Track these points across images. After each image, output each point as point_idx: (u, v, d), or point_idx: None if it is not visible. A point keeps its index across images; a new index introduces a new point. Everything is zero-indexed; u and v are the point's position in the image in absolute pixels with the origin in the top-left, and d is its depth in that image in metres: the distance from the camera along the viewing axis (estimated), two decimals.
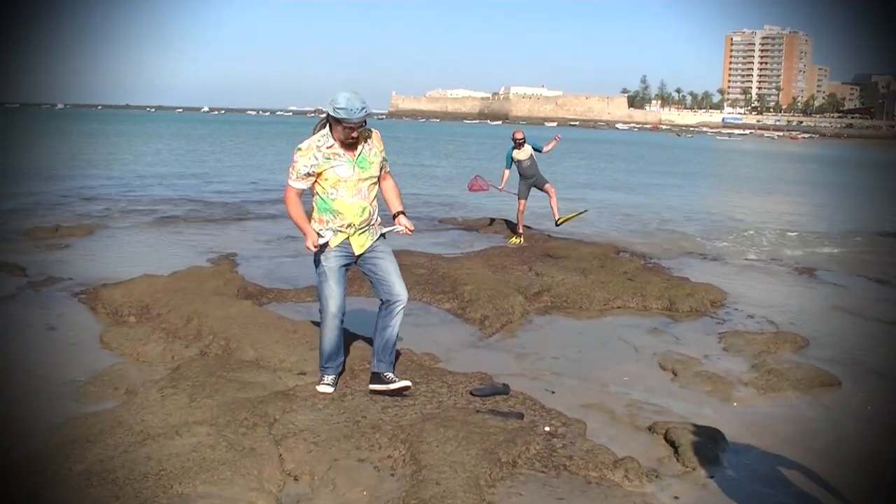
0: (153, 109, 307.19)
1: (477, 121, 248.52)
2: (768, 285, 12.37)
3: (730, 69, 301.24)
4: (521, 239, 15.34)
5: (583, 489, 5.09)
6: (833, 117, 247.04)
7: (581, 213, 17.30)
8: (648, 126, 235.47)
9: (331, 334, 6.52)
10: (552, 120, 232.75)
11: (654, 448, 5.96)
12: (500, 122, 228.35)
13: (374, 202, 6.40)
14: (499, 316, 9.43)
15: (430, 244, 14.88)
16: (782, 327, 9.62)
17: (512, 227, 16.59)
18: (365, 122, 6.00)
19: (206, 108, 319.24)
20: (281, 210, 19.22)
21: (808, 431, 6.50)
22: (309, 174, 6.11)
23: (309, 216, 6.31)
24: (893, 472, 5.77)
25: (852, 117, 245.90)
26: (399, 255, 12.64)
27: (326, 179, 6.12)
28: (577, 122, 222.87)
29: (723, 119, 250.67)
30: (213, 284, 10.08)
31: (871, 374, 8.04)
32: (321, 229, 6.24)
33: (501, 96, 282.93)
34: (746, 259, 14.85)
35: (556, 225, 16.22)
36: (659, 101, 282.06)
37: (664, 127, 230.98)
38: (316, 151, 6.08)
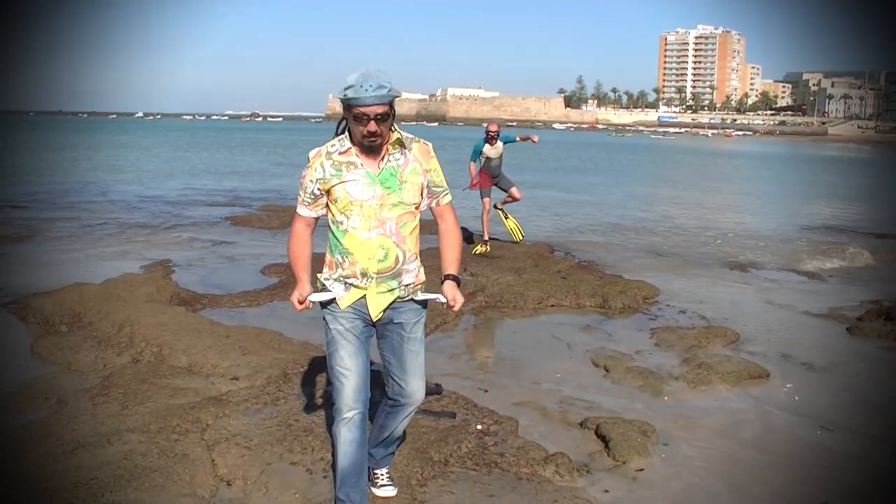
0: (86, 115, 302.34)
1: (414, 122, 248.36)
2: (701, 281, 12.57)
3: (664, 68, 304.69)
4: (488, 247, 14.09)
5: (514, 486, 5.15)
6: (766, 115, 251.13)
7: (518, 236, 15.01)
8: (585, 126, 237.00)
9: (348, 446, 4.34)
10: (490, 121, 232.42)
11: (586, 443, 6.05)
12: (436, 124, 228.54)
13: (410, 245, 4.31)
14: (433, 317, 9.45)
15: None
16: (713, 322, 9.79)
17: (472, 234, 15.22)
18: (391, 113, 4.07)
19: (140, 114, 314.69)
20: (213, 216, 19.19)
21: (736, 423, 6.64)
22: (316, 195, 4.25)
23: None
24: (819, 460, 5.92)
25: (784, 114, 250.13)
26: None
27: (336, 201, 4.19)
28: (515, 123, 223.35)
29: (658, 118, 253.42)
30: (146, 291, 10.01)
31: (799, 366, 8.22)
32: (327, 278, 4.36)
33: (439, 98, 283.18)
34: (679, 255, 15.07)
35: (494, 207, 14.77)
36: (595, 101, 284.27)
37: (601, 126, 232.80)
38: (325, 159, 4.20)
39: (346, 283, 4.29)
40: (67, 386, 6.89)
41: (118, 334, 8.15)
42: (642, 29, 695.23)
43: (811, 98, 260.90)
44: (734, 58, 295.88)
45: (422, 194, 4.33)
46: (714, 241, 17.29)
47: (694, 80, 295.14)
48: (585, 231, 18.31)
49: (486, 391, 7.13)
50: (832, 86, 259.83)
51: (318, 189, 4.23)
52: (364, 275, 4.24)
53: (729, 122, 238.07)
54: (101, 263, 12.63)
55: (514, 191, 14.65)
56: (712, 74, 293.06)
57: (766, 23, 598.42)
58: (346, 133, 4.24)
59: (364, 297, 4.29)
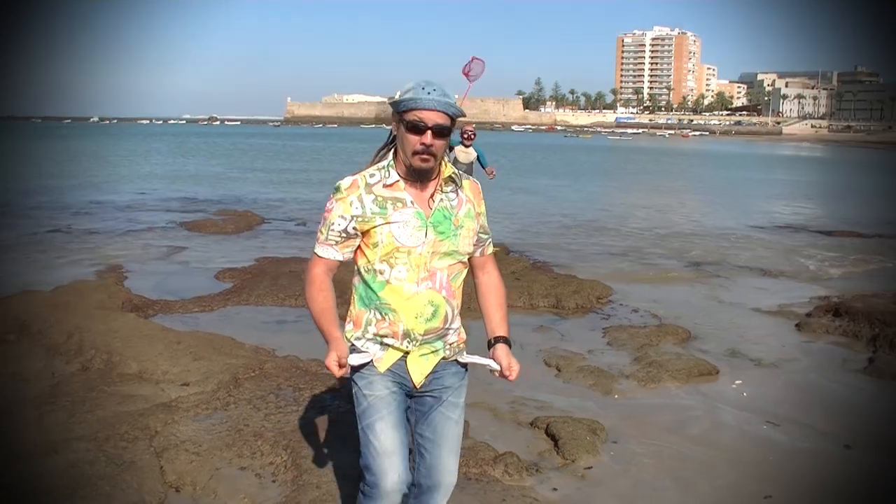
0: (40, 120, 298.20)
1: (373, 125, 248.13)
2: (654, 280, 12.70)
3: (622, 70, 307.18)
4: None
5: (462, 486, 5.15)
6: (722, 115, 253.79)
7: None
8: (544, 127, 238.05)
9: None
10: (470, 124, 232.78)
11: (536, 442, 6.09)
12: None
13: (459, 301, 3.61)
14: None
15: None
16: (665, 320, 9.88)
17: None
18: (450, 131, 3.39)
19: (95, 118, 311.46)
20: (167, 221, 19.06)
21: (685, 419, 6.72)
22: (349, 234, 3.42)
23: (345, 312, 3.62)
24: (765, 454, 5.99)
25: (740, 114, 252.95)
26: (287, 261, 12.77)
27: (376, 245, 3.38)
28: (474, 125, 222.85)
29: (616, 119, 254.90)
30: (97, 298, 9.92)
31: (748, 363, 8.34)
32: (357, 337, 3.52)
33: None
34: (633, 255, 15.18)
35: None
36: (553, 103, 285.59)
37: (559, 128, 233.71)
38: (364, 193, 3.38)
39: (381, 343, 3.47)
40: (14, 395, 6.81)
41: (67, 342, 8.05)
42: (599, 30, 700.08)
43: (766, 98, 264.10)
44: (690, 59, 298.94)
45: (476, 245, 3.64)
46: (668, 240, 17.44)
47: (651, 81, 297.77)
48: (541, 232, 18.40)
49: None
50: (786, 86, 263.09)
51: (354, 228, 3.39)
52: (407, 335, 3.43)
53: (685, 122, 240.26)
54: (51, 270, 12.50)
55: None
56: (669, 75, 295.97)
57: (722, 24, 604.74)
58: (391, 158, 3.46)
59: (403, 358, 3.50)
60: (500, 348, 3.68)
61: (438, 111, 3.31)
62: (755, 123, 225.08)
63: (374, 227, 3.36)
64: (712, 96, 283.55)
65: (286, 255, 13.85)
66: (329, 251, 3.47)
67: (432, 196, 3.43)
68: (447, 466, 3.66)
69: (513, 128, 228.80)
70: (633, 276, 12.86)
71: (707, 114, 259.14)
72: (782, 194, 32.67)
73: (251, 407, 6.32)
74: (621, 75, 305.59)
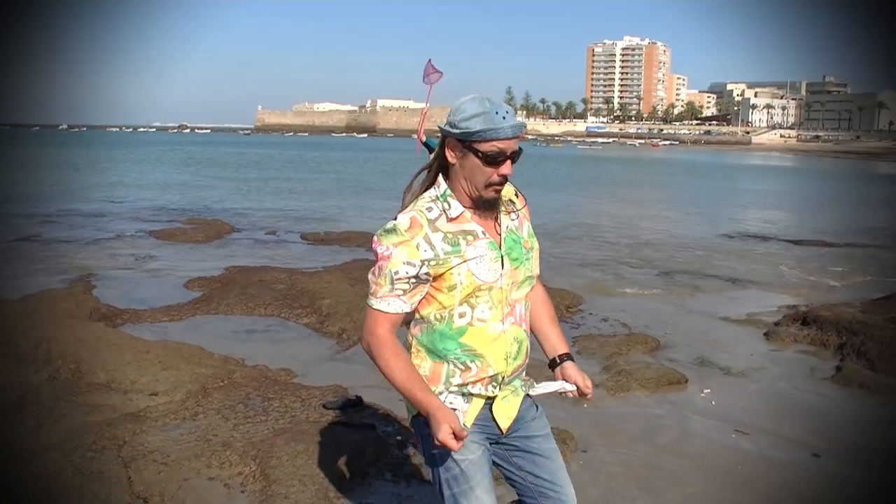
0: (8, 127, 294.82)
1: (344, 134, 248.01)
2: (623, 289, 12.75)
3: (592, 79, 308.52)
4: None
5: (432, 496, 5.17)
6: (692, 124, 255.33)
7: None
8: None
9: None
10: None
11: None
12: (366, 135, 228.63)
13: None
14: (357, 328, 9.44)
15: (290, 258, 14.85)
16: (635, 329, 9.92)
17: None
18: (518, 153, 3.01)
19: (64, 126, 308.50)
20: (136, 229, 18.95)
21: (654, 428, 6.75)
22: (420, 281, 2.97)
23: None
24: (734, 463, 6.03)
25: (710, 124, 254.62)
26: (257, 270, 12.74)
27: (453, 287, 2.99)
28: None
29: (587, 128, 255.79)
30: (65, 307, 9.86)
31: (717, 371, 8.38)
32: (440, 392, 3.05)
33: (368, 109, 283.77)
34: (602, 264, 15.25)
35: None
36: (525, 112, 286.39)
37: (530, 137, 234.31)
38: (430, 232, 2.96)
39: (466, 394, 3.08)
40: None
41: (35, 351, 7.98)
42: (570, 40, 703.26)
43: (735, 108, 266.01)
44: (660, 69, 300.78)
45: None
46: (637, 249, 17.52)
47: (621, 91, 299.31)
48: None
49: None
50: (755, 96, 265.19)
51: (426, 274, 2.95)
52: (494, 380, 3.08)
53: (656, 131, 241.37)
54: (18, 279, 12.37)
55: None
56: (639, 85, 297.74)
57: (692, 35, 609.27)
58: (444, 186, 3.06)
59: (490, 406, 3.13)
60: (570, 366, 3.39)
61: (515, 137, 2.97)
62: (725, 133, 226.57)
63: (450, 268, 2.96)
64: (682, 106, 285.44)
65: (256, 264, 13.81)
66: (395, 304, 2.98)
67: (497, 221, 3.11)
68: (570, 493, 3.39)
69: None
70: (602, 286, 12.91)
71: (677, 123, 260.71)
72: (752, 203, 32.97)
73: (220, 417, 6.30)
74: (592, 85, 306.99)
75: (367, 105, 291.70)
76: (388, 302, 2.97)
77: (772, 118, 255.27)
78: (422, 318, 3.08)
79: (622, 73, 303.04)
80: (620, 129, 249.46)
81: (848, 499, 5.61)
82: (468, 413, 3.08)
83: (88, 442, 5.64)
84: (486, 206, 3.04)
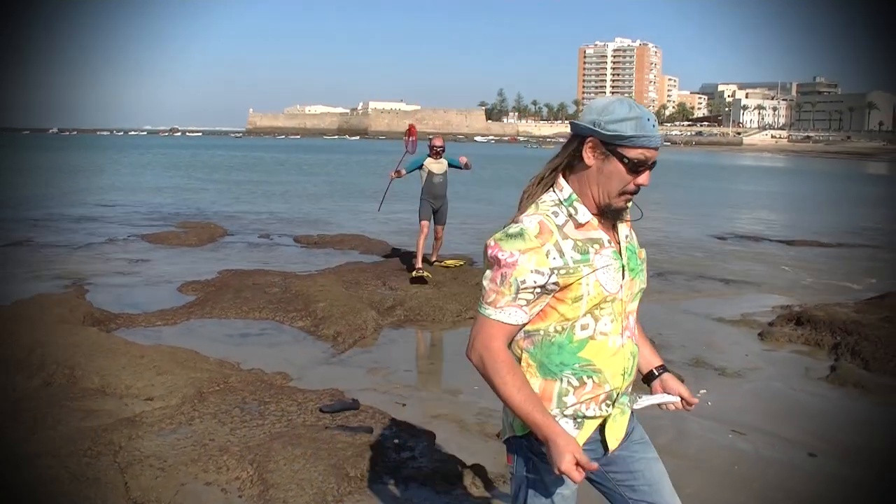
0: None
1: (336, 136, 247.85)
2: None
3: (584, 81, 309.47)
4: (426, 272, 12.48)
5: (431, 499, 5.18)
6: (683, 125, 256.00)
7: (461, 264, 14.13)
8: (507, 138, 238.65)
9: None
10: (434, 135, 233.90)
11: (503, 454, 6.05)
12: (358, 138, 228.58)
13: None
14: (351, 332, 9.47)
15: (284, 261, 14.82)
16: None
17: (403, 266, 13.76)
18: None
19: (54, 129, 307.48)
20: (129, 233, 18.90)
21: (650, 428, 6.61)
22: (545, 291, 2.74)
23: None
24: (731, 463, 6.04)
25: (701, 125, 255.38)
26: (251, 274, 12.72)
27: (578, 299, 2.76)
28: (441, 137, 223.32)
29: None
30: (59, 312, 9.80)
31: (712, 372, 8.40)
32: (553, 415, 2.80)
33: (360, 111, 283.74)
34: None
35: (430, 263, 13.35)
36: (516, 114, 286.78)
37: (521, 139, 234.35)
38: (560, 239, 2.74)
39: (580, 416, 2.85)
40: None
41: (29, 357, 7.95)
42: (561, 42, 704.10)
43: (726, 109, 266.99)
44: (651, 70, 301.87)
45: None
46: None
47: (612, 92, 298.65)
48: None
49: (403, 405, 7.14)
50: (746, 97, 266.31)
51: (555, 284, 2.71)
52: (609, 398, 2.87)
53: None
54: (10, 284, 12.32)
55: (439, 230, 13.46)
56: (630, 86, 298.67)
57: (683, 36, 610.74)
58: (568, 189, 2.83)
59: (602, 426, 2.91)
60: (670, 378, 3.25)
61: (658, 148, 2.82)
62: (716, 134, 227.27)
63: (577, 279, 2.73)
64: (673, 107, 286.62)
65: (249, 267, 13.76)
66: (516, 315, 2.73)
67: (615, 229, 2.91)
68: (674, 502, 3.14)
69: (476, 139, 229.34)
70: None
71: (668, 124, 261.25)
72: (744, 204, 33.04)
73: (216, 421, 6.29)
74: (583, 86, 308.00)
75: (359, 107, 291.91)
76: (508, 312, 2.72)
77: (763, 119, 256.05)
78: (537, 330, 2.81)
79: (613, 75, 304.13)
80: None
81: (844, 498, 5.61)
82: (579, 437, 2.84)
83: (84, 447, 5.62)
84: (612, 214, 2.84)
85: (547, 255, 2.68)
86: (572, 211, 2.78)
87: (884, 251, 18.42)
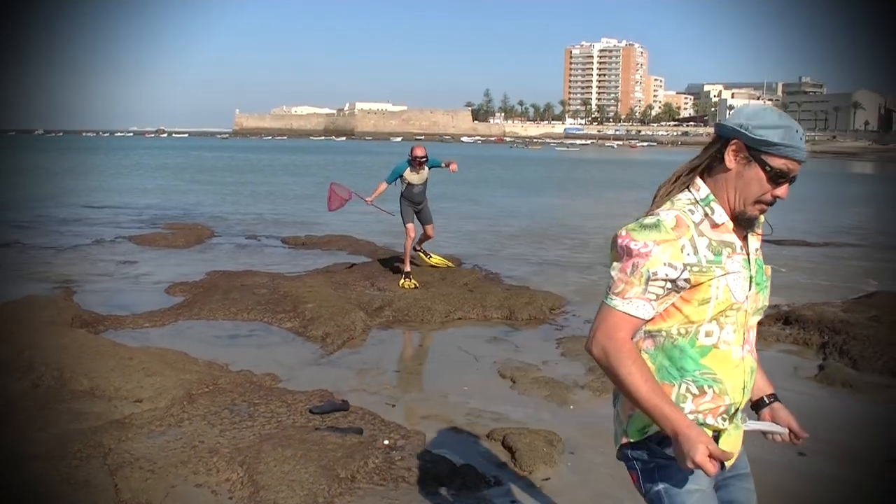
0: None
1: (322, 137, 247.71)
2: (605, 290, 12.74)
3: (570, 81, 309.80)
4: (412, 281, 12.28)
5: (420, 499, 5.18)
6: (669, 125, 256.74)
7: (449, 265, 14.07)
8: (493, 139, 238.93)
9: None
10: (398, 135, 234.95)
11: (493, 454, 6.10)
12: (345, 139, 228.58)
13: None
14: (340, 333, 9.46)
15: (272, 262, 14.80)
16: None
17: (395, 265, 13.65)
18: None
19: (40, 131, 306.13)
20: (116, 235, 18.84)
21: None
22: (675, 288, 2.67)
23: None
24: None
25: (687, 125, 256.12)
26: (239, 275, 12.71)
27: (705, 301, 2.69)
28: (423, 137, 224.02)
29: (565, 130, 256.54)
30: (47, 314, 9.77)
31: None
32: None
33: (346, 112, 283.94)
34: (585, 265, 15.25)
35: (414, 249, 13.21)
36: (503, 114, 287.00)
37: (508, 139, 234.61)
38: (697, 236, 2.68)
39: (699, 423, 2.72)
40: None
41: (17, 359, 7.92)
42: (547, 42, 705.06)
43: (712, 109, 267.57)
44: (637, 70, 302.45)
45: None
46: None
47: (599, 93, 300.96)
48: (491, 243, 18.41)
49: (393, 406, 7.15)
50: (732, 97, 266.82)
51: (685, 280, 2.64)
52: (727, 411, 2.77)
53: (634, 133, 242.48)
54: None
55: (429, 229, 13.31)
56: (616, 87, 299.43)
57: (668, 36, 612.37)
58: (704, 188, 2.77)
59: (718, 440, 2.77)
60: (781, 408, 3.05)
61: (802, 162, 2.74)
62: (702, 134, 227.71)
63: (710, 279, 2.66)
64: (660, 107, 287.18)
65: (237, 268, 13.75)
66: (644, 308, 2.65)
67: (745, 239, 2.84)
68: None
69: (462, 139, 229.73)
70: (585, 287, 12.91)
71: (655, 124, 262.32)
72: None
73: (206, 423, 6.28)
74: (570, 87, 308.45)
75: (345, 108, 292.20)
76: (636, 305, 2.65)
77: None
78: (658, 330, 2.74)
79: (600, 75, 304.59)
80: (598, 131, 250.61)
81: (833, 496, 5.64)
82: None
83: (74, 450, 5.61)
84: (745, 223, 2.77)
85: (682, 249, 2.63)
86: (709, 211, 2.72)
87: (871, 250, 18.47)
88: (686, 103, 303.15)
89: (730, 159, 2.72)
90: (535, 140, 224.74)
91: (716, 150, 2.78)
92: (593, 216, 25.88)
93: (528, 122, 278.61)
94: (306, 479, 5.19)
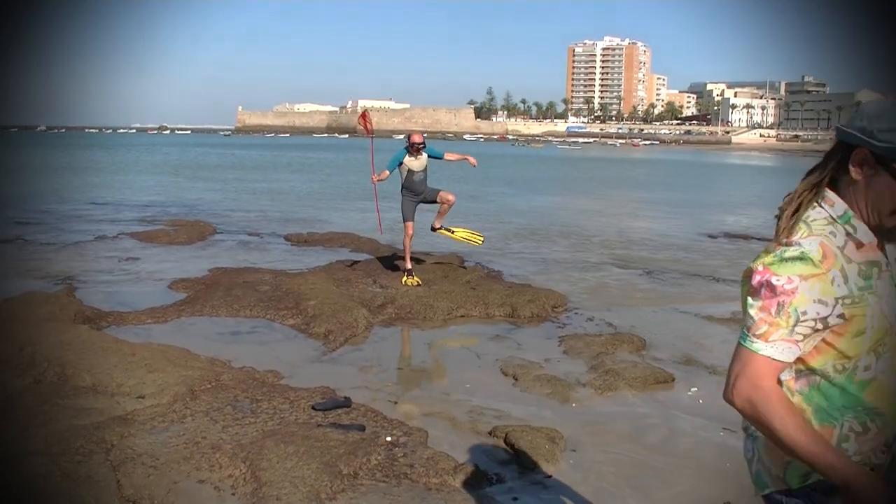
0: None
1: (325, 134, 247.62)
2: (609, 288, 12.76)
3: (573, 79, 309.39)
4: (415, 278, 12.22)
5: (423, 496, 5.18)
6: (672, 124, 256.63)
7: (478, 240, 13.89)
8: (496, 137, 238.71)
9: None
10: (401, 133, 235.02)
11: (495, 452, 6.10)
12: (347, 136, 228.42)
13: None
14: (343, 330, 9.47)
15: (274, 259, 14.81)
16: (620, 329, 9.95)
17: (397, 262, 13.60)
18: None
19: (42, 127, 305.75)
20: (118, 231, 18.85)
21: (642, 427, 6.77)
22: (826, 326, 2.34)
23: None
24: (722, 461, 6.06)
25: (690, 124, 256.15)
26: (241, 272, 12.71)
27: (860, 333, 2.37)
28: (426, 135, 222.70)
29: (567, 128, 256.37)
30: (48, 310, 9.78)
31: (703, 370, 8.41)
32: None
33: (349, 109, 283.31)
34: (588, 263, 15.26)
35: (433, 230, 13.33)
36: (505, 112, 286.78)
37: (510, 137, 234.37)
38: (845, 263, 2.37)
39: (866, 464, 2.43)
40: None
41: (18, 355, 7.92)
42: (550, 40, 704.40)
43: (715, 108, 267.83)
44: (640, 69, 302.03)
45: None
46: (621, 248, 17.54)
47: (602, 91, 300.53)
48: (493, 241, 18.40)
49: (395, 403, 7.16)
50: (735, 96, 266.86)
51: (839, 316, 2.33)
52: (886, 444, 2.46)
53: (636, 131, 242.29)
54: None
55: (443, 194, 12.74)
56: (619, 85, 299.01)
57: (672, 35, 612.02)
58: (841, 205, 2.43)
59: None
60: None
61: None
62: (705, 133, 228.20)
63: (865, 308, 2.34)
64: (662, 106, 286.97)
65: (240, 265, 13.76)
66: (789, 351, 2.34)
67: (884, 251, 2.49)
68: None
69: (465, 137, 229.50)
70: (587, 285, 12.93)
71: (657, 123, 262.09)
72: (734, 202, 33.12)
73: (208, 419, 6.29)
74: (572, 85, 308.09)
75: (349, 105, 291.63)
76: (781, 348, 2.32)
77: (751, 118, 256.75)
78: (811, 369, 2.43)
79: (603, 74, 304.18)
80: (601, 130, 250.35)
81: None
82: None
83: (76, 446, 5.61)
84: (886, 236, 2.44)
85: (832, 282, 2.31)
86: (850, 230, 2.39)
87: None
88: (689, 102, 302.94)
89: (855, 171, 2.39)
90: (537, 138, 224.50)
91: (839, 159, 2.46)
92: (594, 215, 25.88)
93: (530, 121, 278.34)
94: (309, 476, 5.19)
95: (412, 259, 12.74)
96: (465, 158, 12.86)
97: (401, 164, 12.41)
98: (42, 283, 12.26)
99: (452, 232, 13.53)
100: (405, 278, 12.21)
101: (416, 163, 12.38)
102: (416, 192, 12.51)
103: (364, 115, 13.40)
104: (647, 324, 10.27)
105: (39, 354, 7.79)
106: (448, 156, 12.83)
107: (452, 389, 7.62)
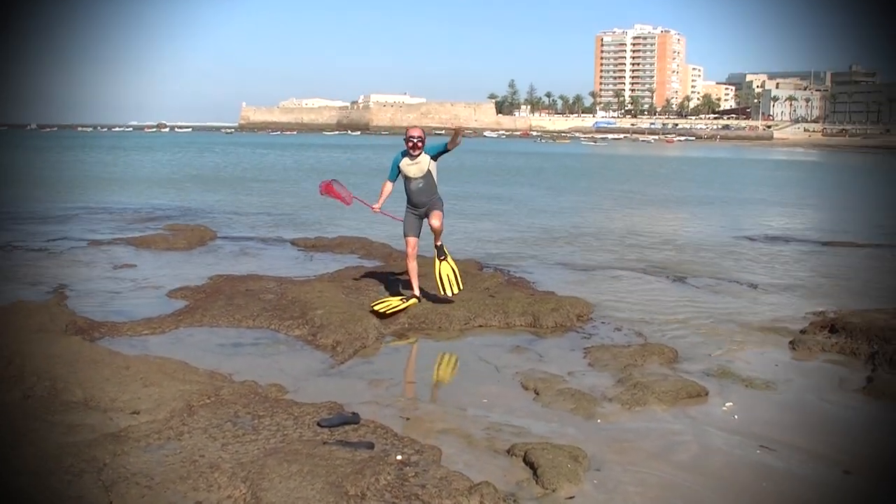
0: None
1: (336, 132, 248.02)
2: (638, 295, 12.74)
3: (601, 71, 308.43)
4: (416, 298, 11.18)
5: None
6: (709, 119, 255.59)
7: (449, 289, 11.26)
8: (518, 133, 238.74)
9: None
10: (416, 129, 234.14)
11: (513, 471, 6.11)
12: (359, 133, 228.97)
13: None
14: (352, 341, 9.49)
15: (279, 266, 14.85)
16: (650, 339, 9.94)
17: (393, 281, 12.84)
18: None
19: (33, 125, 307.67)
20: (113, 236, 18.86)
21: (672, 445, 6.76)
22: None
23: None
24: (759, 481, 6.05)
25: (728, 118, 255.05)
26: (244, 279, 12.76)
27: None
28: (444, 132, 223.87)
29: (595, 124, 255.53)
30: (38, 320, 9.85)
31: (739, 383, 8.38)
32: None
33: (361, 105, 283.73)
34: (616, 268, 15.25)
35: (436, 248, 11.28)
36: (529, 107, 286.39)
37: (535, 133, 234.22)
38: None
39: None
40: None
41: (7, 368, 7.97)
42: (577, 28, 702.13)
43: (755, 100, 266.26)
44: (674, 59, 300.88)
45: None
46: (652, 253, 17.52)
47: (633, 83, 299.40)
48: (515, 245, 18.41)
49: (407, 419, 7.17)
50: (777, 87, 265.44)
51: None
52: None
53: (670, 126, 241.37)
54: None
55: (430, 217, 10.98)
56: (651, 77, 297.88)
57: (708, 22, 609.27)
58: None
59: None
60: None
61: None
62: (744, 127, 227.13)
63: None
64: (698, 98, 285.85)
65: (242, 272, 13.80)
66: None
67: None
68: None
69: (485, 133, 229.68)
70: (615, 292, 12.91)
71: (693, 117, 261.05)
72: (775, 202, 33.02)
73: (207, 436, 6.32)
74: (601, 77, 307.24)
75: (360, 101, 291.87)
76: None
77: (794, 111, 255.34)
78: None
79: (633, 64, 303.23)
80: (632, 125, 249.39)
81: None
82: None
83: (66, 465, 5.64)
84: None
85: None
86: None
87: None
88: (727, 94, 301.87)
89: None
90: (563, 134, 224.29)
91: None
92: (625, 217, 25.85)
93: (555, 115, 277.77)
94: (313, 497, 5.22)
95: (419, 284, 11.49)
96: (455, 132, 10.66)
97: (398, 169, 11.06)
98: (32, 291, 12.32)
99: (441, 260, 11.42)
100: (408, 301, 11.04)
101: (412, 167, 10.89)
102: (414, 205, 11.11)
103: (329, 187, 12.15)
104: (679, 333, 10.26)
105: (29, 368, 7.84)
106: (449, 144, 10.72)
107: (469, 404, 7.62)
